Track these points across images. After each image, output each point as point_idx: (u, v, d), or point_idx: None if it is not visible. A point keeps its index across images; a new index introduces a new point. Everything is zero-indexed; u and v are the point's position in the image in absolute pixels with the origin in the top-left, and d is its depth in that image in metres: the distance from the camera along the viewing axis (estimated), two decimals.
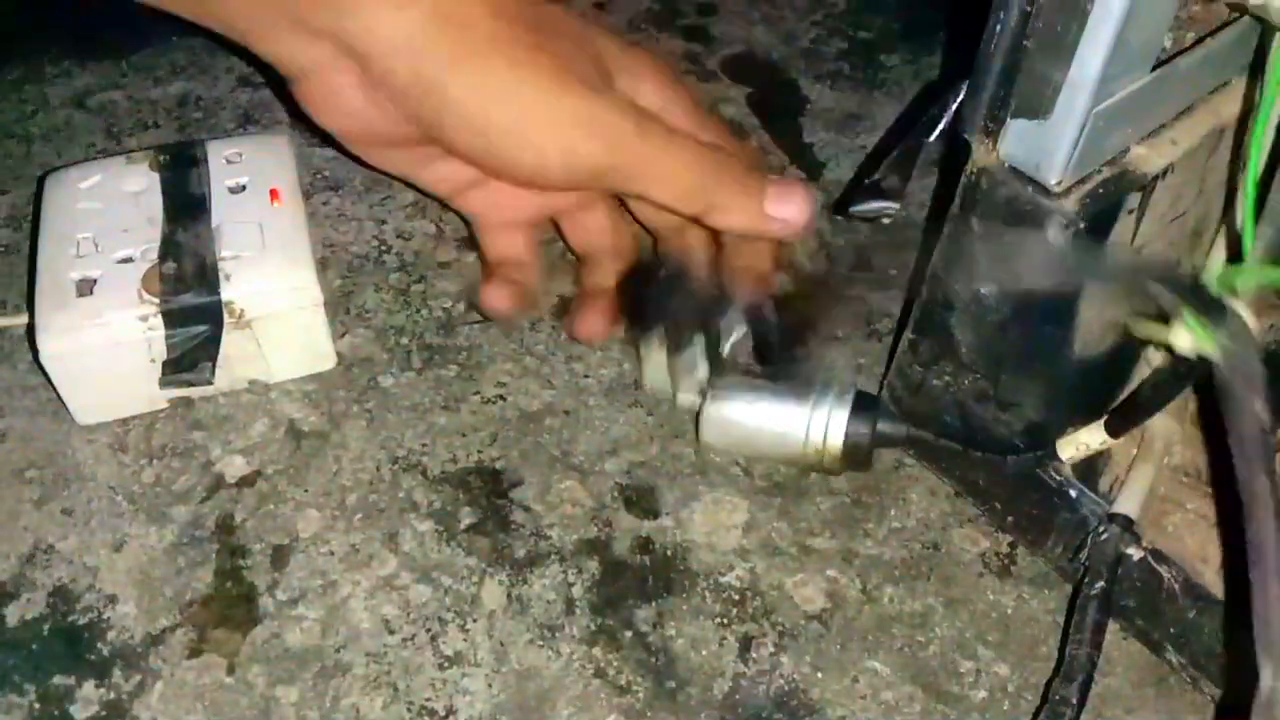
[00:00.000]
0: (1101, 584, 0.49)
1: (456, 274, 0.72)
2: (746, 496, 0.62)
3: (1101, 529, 0.51)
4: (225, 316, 0.61)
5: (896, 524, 0.61)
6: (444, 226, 0.75)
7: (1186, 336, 0.43)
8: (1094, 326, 0.52)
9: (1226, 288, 0.42)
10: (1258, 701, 0.36)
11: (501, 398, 0.66)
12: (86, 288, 0.60)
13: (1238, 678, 0.48)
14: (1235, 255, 0.46)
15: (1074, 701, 0.48)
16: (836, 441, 0.58)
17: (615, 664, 0.55)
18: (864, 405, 0.59)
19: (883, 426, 0.58)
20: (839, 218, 0.73)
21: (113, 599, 0.57)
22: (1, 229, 0.74)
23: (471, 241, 0.72)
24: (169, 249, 0.62)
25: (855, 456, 0.59)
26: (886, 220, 0.65)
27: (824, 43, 0.90)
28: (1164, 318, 0.44)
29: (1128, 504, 0.52)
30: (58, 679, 0.54)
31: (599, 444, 0.64)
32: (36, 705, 0.53)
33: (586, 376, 0.68)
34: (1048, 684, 0.53)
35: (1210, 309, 0.42)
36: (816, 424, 0.58)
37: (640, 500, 0.62)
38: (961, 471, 0.61)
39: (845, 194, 0.73)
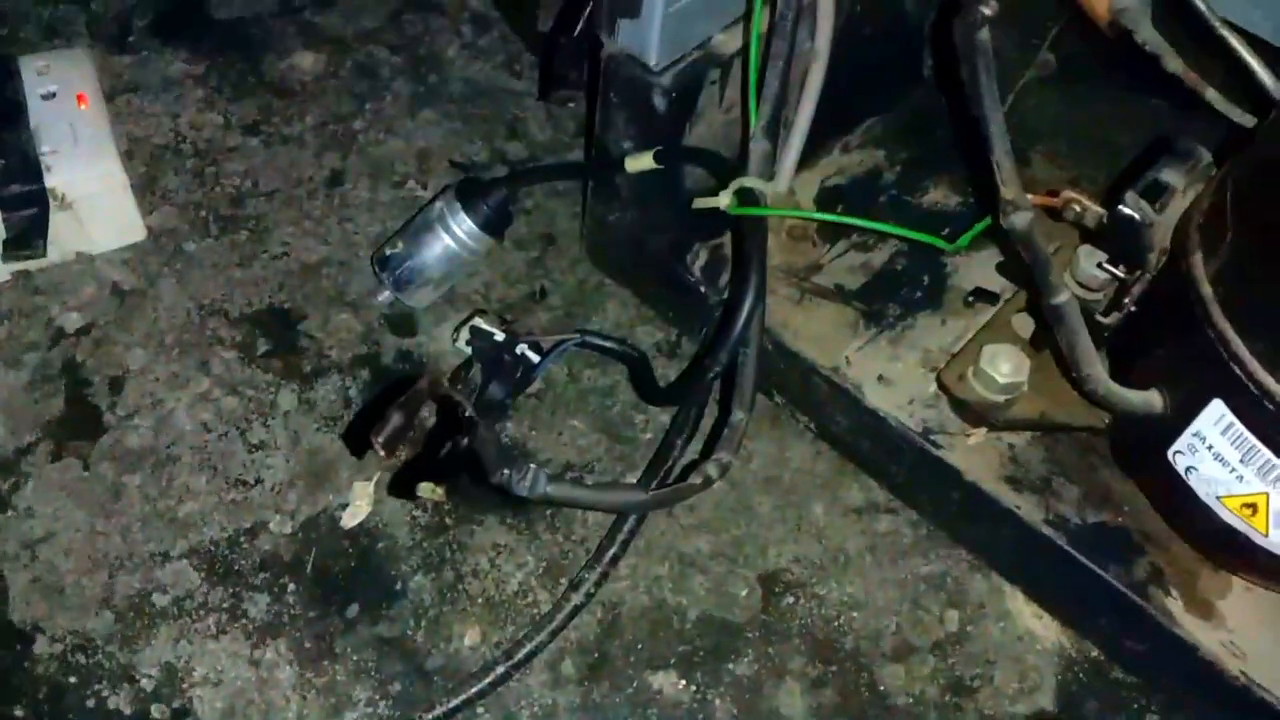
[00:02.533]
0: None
1: (241, 156, 0.88)
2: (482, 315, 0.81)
3: (716, 308, 0.73)
4: (50, 200, 0.76)
5: (596, 325, 0.82)
6: (230, 118, 0.90)
7: (727, 197, 0.63)
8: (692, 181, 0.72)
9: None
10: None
11: (286, 254, 0.83)
12: None
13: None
14: None
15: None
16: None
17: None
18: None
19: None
20: (543, 99, 0.92)
21: None
22: None
23: (256, 128, 0.88)
24: None
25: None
26: (572, 105, 0.85)
27: None
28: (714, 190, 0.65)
29: None
30: None
31: (367, 285, 0.82)
32: None
33: (356, 234, 0.85)
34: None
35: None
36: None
37: (402, 325, 0.81)
38: (640, 285, 0.82)
39: (541, 83, 0.92)
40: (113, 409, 0.75)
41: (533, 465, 0.52)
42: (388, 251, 0.78)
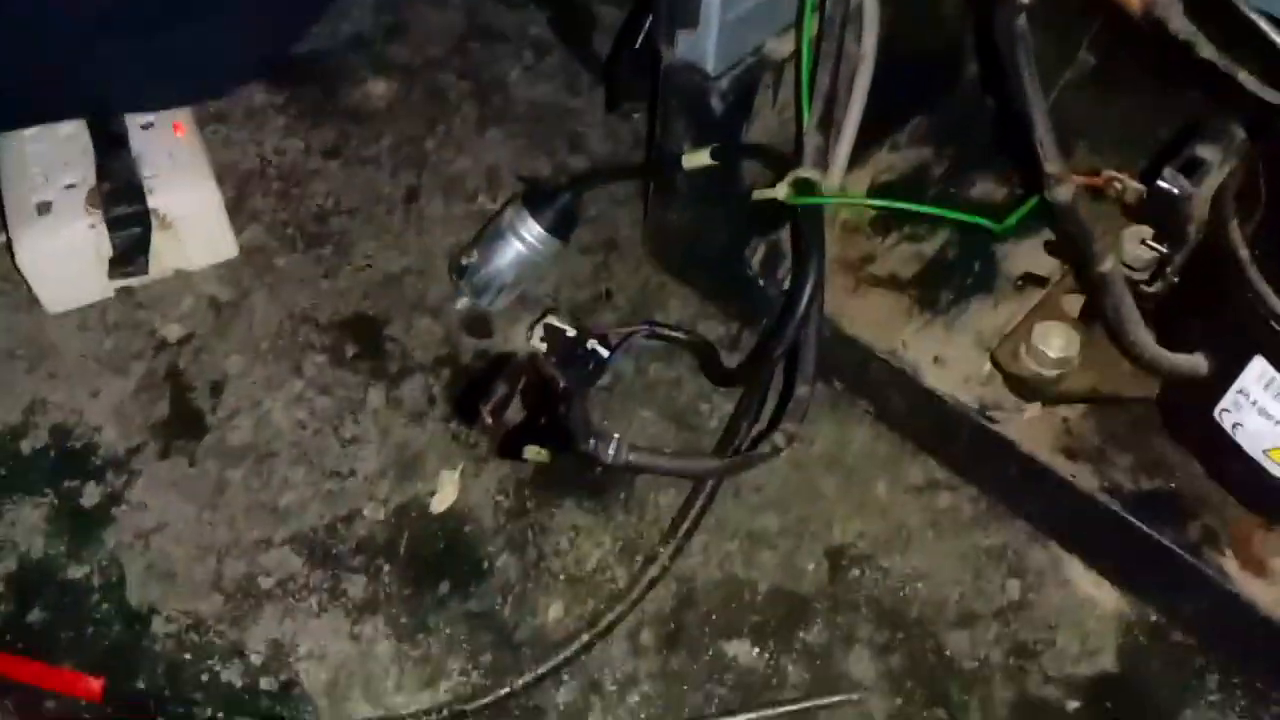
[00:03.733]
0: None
1: (323, 178, 0.94)
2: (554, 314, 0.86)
3: (776, 300, 0.77)
4: (152, 220, 0.82)
5: (662, 320, 0.86)
6: (311, 142, 0.96)
7: (784, 188, 0.68)
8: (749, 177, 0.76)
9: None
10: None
11: (369, 265, 0.89)
12: (45, 208, 0.81)
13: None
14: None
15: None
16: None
17: (465, 432, 0.79)
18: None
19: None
20: (610, 113, 0.97)
21: (98, 428, 0.79)
22: None
23: (336, 151, 0.95)
24: (103, 174, 0.83)
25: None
26: (636, 115, 0.90)
27: None
28: (772, 183, 0.69)
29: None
30: (67, 483, 0.76)
31: (445, 293, 0.88)
32: (55, 501, 0.75)
33: (432, 245, 0.91)
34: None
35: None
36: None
37: (478, 327, 0.86)
38: (701, 282, 0.86)
39: (608, 96, 0.97)
40: (214, 410, 0.80)
41: (616, 435, 0.56)
42: (464, 261, 0.83)
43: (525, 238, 0.81)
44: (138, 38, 0.78)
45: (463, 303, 0.85)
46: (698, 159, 0.73)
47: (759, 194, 0.69)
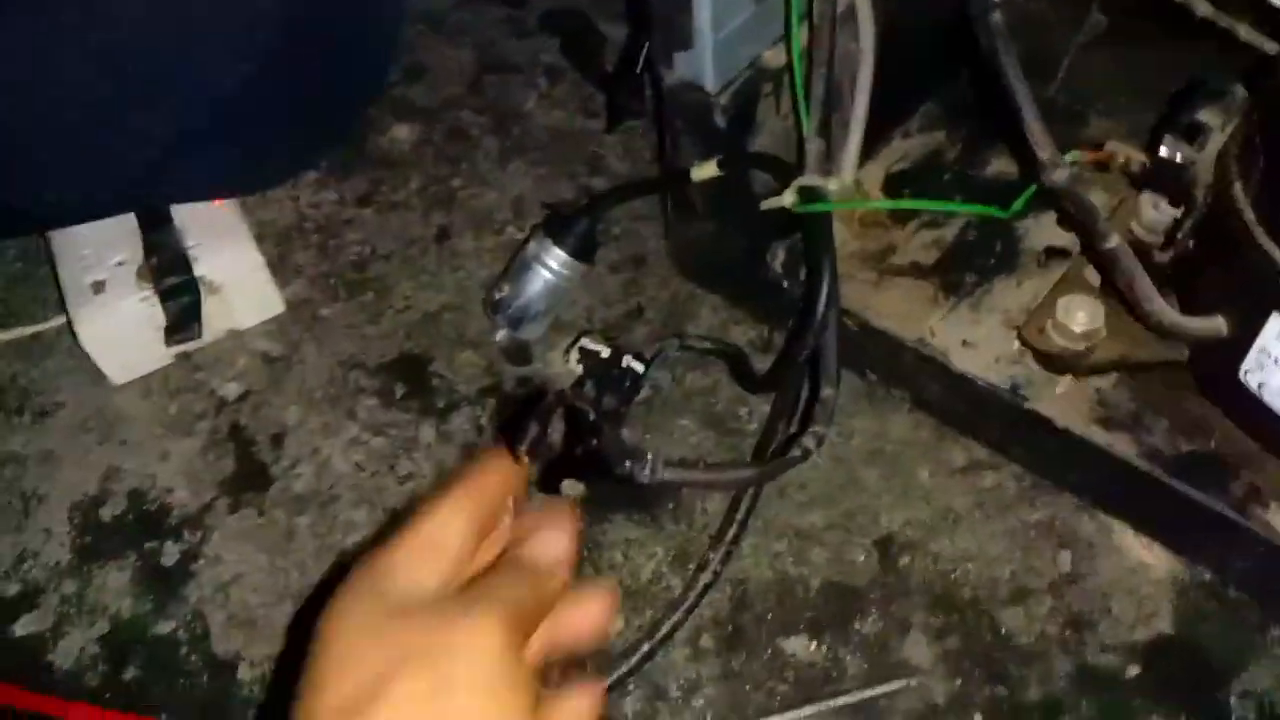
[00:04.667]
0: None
1: (358, 227, 0.97)
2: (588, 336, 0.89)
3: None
4: (201, 288, 0.87)
5: (691, 331, 0.88)
6: (344, 193, 1.00)
7: (790, 196, 0.69)
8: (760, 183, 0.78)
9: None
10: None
11: (409, 306, 0.92)
12: (99, 287, 0.86)
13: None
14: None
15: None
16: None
17: None
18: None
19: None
20: (609, 132, 0.99)
21: (169, 490, 0.83)
22: (15, 263, 0.98)
23: (368, 199, 0.98)
24: (150, 248, 0.87)
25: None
26: (640, 131, 0.91)
27: None
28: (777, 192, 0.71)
29: None
30: (147, 544, 0.81)
31: (483, 325, 0.91)
32: (138, 562, 0.80)
33: (467, 280, 0.94)
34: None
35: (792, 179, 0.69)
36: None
37: (518, 355, 0.89)
38: (728, 289, 0.88)
39: (608, 117, 0.99)
40: (277, 461, 0.84)
41: (649, 454, 0.58)
42: (496, 296, 0.86)
43: (551, 265, 0.84)
44: (200, 154, 0.83)
45: (501, 335, 0.87)
46: (706, 170, 0.75)
47: (767, 204, 0.71)
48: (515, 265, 0.86)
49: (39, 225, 0.90)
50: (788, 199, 0.68)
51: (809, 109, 0.68)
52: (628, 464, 0.59)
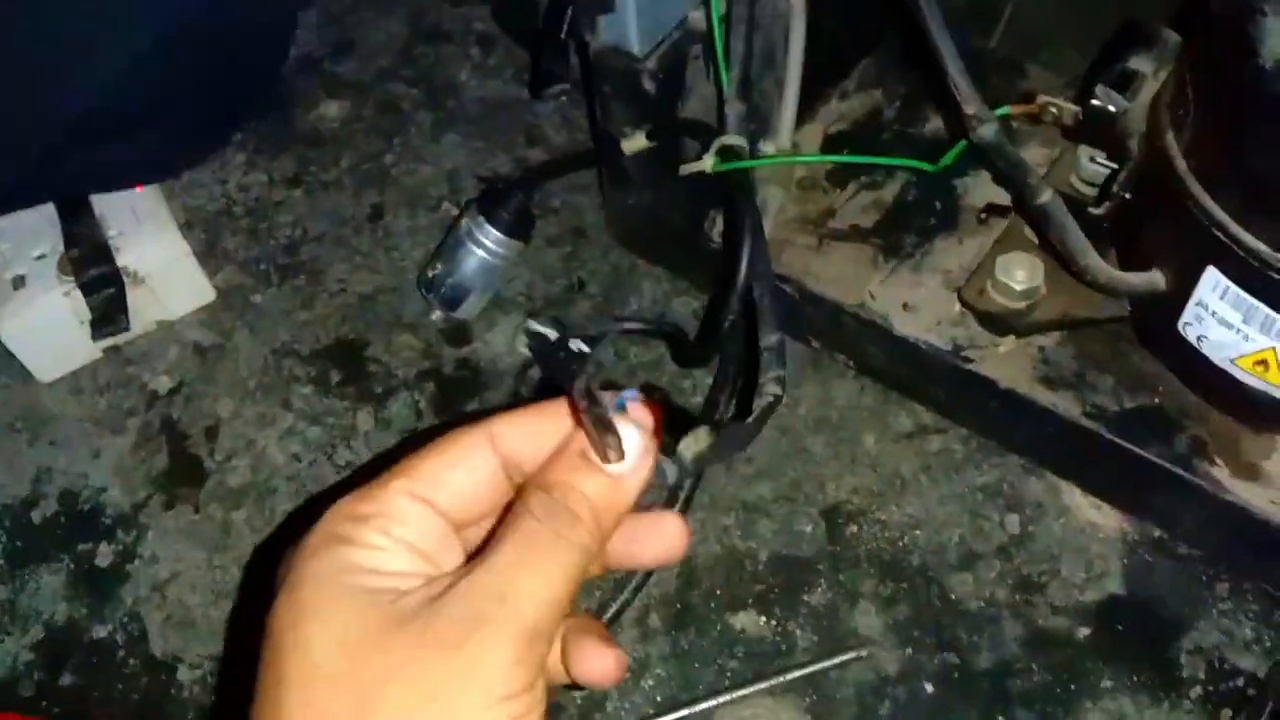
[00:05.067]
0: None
1: (288, 208, 0.95)
2: (522, 313, 0.87)
3: None
4: (124, 278, 0.84)
5: (635, 304, 0.86)
6: (273, 174, 0.97)
7: (709, 160, 0.67)
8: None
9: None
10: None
11: (343, 289, 0.90)
12: (20, 282, 0.83)
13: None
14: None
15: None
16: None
17: None
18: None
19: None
20: (535, 98, 0.97)
21: (103, 489, 0.81)
22: None
23: (298, 180, 0.95)
24: (70, 240, 0.84)
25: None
26: (564, 97, 0.89)
27: None
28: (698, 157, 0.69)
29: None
30: (80, 546, 0.79)
31: (420, 307, 0.88)
32: (71, 565, 0.78)
33: (403, 260, 0.91)
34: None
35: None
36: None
37: (457, 336, 0.87)
38: (669, 259, 0.86)
39: (531, 83, 0.97)
40: (211, 455, 0.82)
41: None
42: (429, 274, 0.84)
43: (485, 243, 0.81)
44: (113, 141, 0.79)
45: (436, 315, 0.85)
46: (636, 143, 0.73)
47: (685, 168, 0.69)
48: (449, 243, 0.84)
49: None
50: (708, 163, 0.66)
51: (729, 70, 0.66)
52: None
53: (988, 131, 0.55)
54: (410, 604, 0.31)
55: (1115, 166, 0.65)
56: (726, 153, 0.66)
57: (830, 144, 0.84)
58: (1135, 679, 0.68)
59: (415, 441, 0.72)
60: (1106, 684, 0.68)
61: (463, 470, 0.35)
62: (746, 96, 0.66)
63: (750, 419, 0.49)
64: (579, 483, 0.33)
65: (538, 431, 0.35)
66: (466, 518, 0.35)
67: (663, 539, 0.37)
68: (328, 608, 0.31)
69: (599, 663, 0.35)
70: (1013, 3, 0.91)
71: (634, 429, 0.34)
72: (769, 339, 0.54)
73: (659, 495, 0.72)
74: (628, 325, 0.79)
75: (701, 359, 0.77)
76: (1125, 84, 0.61)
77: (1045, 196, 0.57)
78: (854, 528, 0.74)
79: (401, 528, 0.33)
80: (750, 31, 0.64)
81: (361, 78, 1.04)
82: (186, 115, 0.85)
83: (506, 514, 0.34)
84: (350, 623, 0.31)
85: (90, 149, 0.80)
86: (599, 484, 0.34)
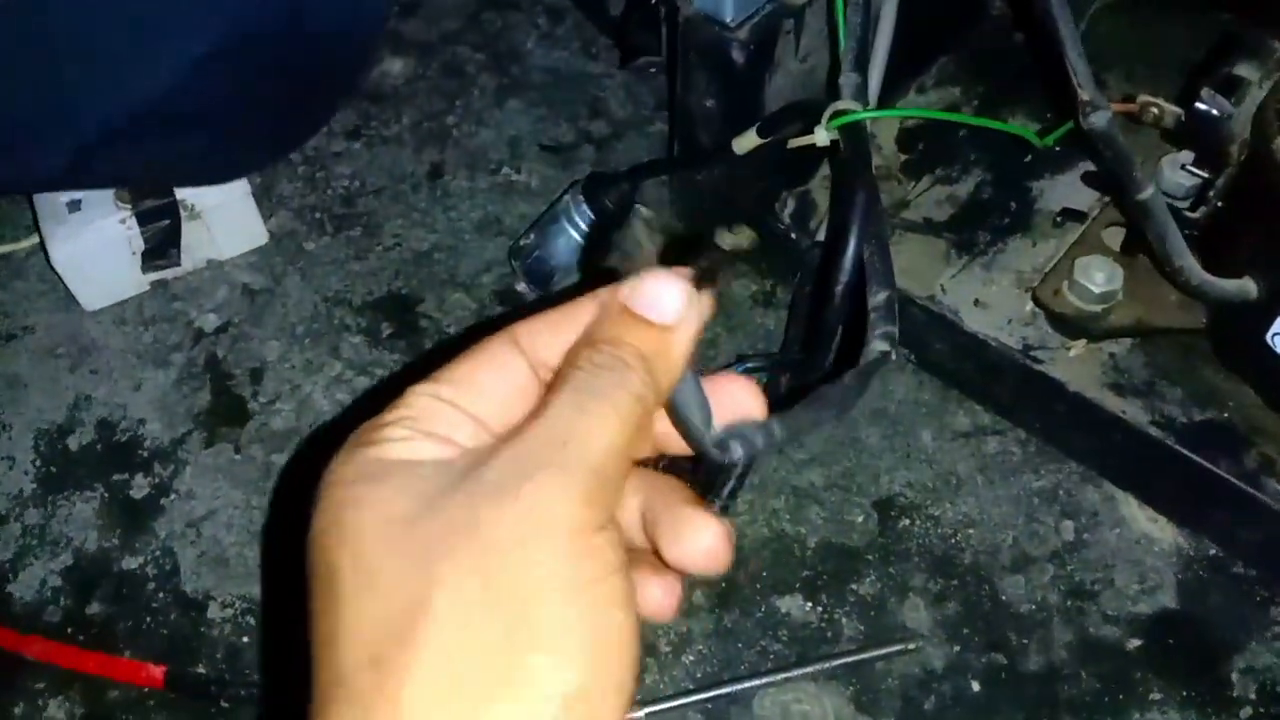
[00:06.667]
0: (809, 286, 0.74)
1: (347, 160, 0.94)
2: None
3: (808, 252, 0.76)
4: (181, 211, 0.83)
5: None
6: (333, 125, 0.96)
7: (821, 132, 0.66)
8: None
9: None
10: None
11: (398, 244, 0.89)
12: (75, 206, 0.81)
13: None
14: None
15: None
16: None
17: None
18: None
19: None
20: (623, 69, 0.96)
21: (142, 421, 0.80)
22: None
23: (357, 133, 0.94)
24: None
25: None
26: (653, 70, 0.88)
27: None
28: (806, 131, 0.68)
29: (826, 234, 0.76)
30: (115, 477, 0.77)
31: (475, 266, 0.87)
32: (105, 495, 0.76)
33: (459, 220, 0.90)
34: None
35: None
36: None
37: (510, 297, 0.86)
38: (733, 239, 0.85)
39: (621, 53, 0.96)
40: (255, 397, 0.81)
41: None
42: (520, 242, 0.83)
43: (580, 225, 0.80)
44: (162, 139, 0.77)
45: (521, 287, 0.84)
46: (747, 141, 0.72)
47: (795, 142, 0.68)
48: (545, 217, 0.83)
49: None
50: (820, 135, 0.65)
51: (846, 40, 0.65)
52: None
53: (1100, 119, 0.54)
54: (457, 469, 0.29)
55: (1207, 175, 0.65)
56: (839, 116, 0.64)
57: (905, 137, 0.83)
58: (1185, 694, 0.67)
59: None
60: (1155, 696, 0.67)
61: (489, 371, 0.32)
62: (862, 69, 0.65)
63: (848, 377, 0.46)
64: (627, 335, 0.31)
65: (566, 329, 0.32)
66: (499, 424, 0.32)
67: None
68: (366, 496, 0.29)
69: (703, 536, 0.32)
70: (1087, 19, 0.91)
71: (676, 281, 0.32)
72: (878, 296, 0.53)
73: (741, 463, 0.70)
74: (751, 365, 0.75)
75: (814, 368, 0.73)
76: (1230, 89, 0.60)
77: (1148, 192, 0.57)
78: (906, 521, 0.73)
79: (430, 423, 0.31)
80: (868, 5, 0.63)
81: (427, 38, 1.03)
82: (256, 117, 0.82)
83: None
84: (394, 499, 0.28)
85: (150, 143, 0.77)
86: (647, 335, 0.31)
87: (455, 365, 0.33)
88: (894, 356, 0.51)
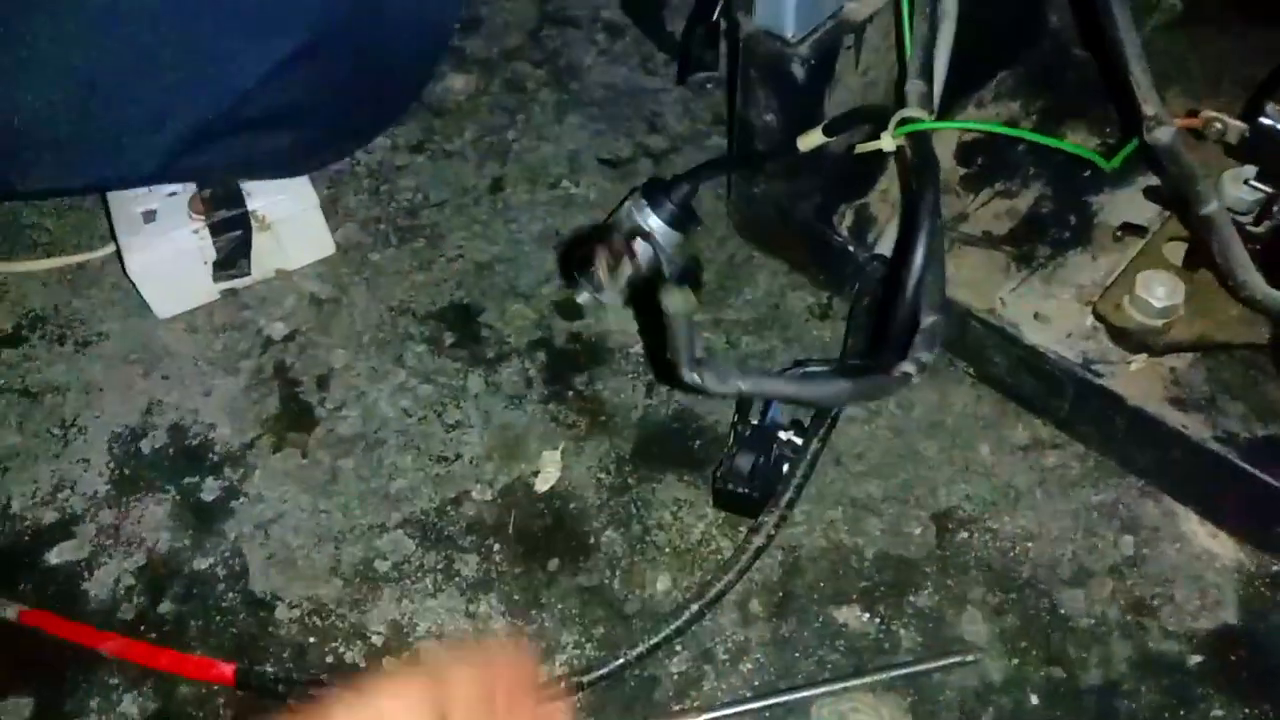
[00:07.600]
0: (867, 298, 0.75)
1: (411, 173, 0.96)
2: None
3: (866, 264, 0.76)
4: (252, 223, 0.85)
5: (749, 296, 0.86)
6: (397, 139, 0.98)
7: (887, 138, 0.67)
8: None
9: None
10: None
11: (461, 256, 0.91)
12: (150, 216, 0.84)
13: None
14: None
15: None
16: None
17: (564, 412, 0.81)
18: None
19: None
20: (680, 86, 0.97)
21: (212, 425, 0.82)
22: None
23: (421, 147, 0.97)
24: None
25: None
26: (710, 85, 0.89)
27: None
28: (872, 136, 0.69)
29: (883, 247, 0.77)
30: (187, 480, 0.79)
31: (535, 277, 0.89)
32: (177, 497, 0.79)
33: (520, 232, 0.92)
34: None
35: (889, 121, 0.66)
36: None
37: (570, 310, 0.87)
38: (788, 253, 0.86)
39: (679, 68, 0.97)
40: (322, 403, 0.83)
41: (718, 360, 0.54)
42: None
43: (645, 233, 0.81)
44: (246, 136, 0.80)
45: (583, 297, 0.85)
46: (813, 139, 0.73)
47: (862, 147, 0.69)
48: (608, 225, 0.84)
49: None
50: (886, 140, 0.66)
51: (913, 49, 0.66)
52: (696, 370, 0.52)
53: (1164, 134, 0.55)
54: None
55: (1271, 190, 0.65)
56: (906, 123, 0.65)
57: (964, 151, 0.84)
58: (1246, 711, 0.66)
59: None
60: (1217, 713, 0.66)
61: None
62: (928, 78, 0.66)
63: (862, 381, 0.47)
64: None
65: None
66: None
67: None
68: None
69: None
70: (1144, 37, 0.91)
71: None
72: (928, 319, 0.53)
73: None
74: (812, 370, 0.76)
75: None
76: None
77: (1213, 205, 0.57)
78: (964, 534, 0.74)
79: None
80: (934, 15, 0.64)
81: (488, 55, 1.05)
82: (334, 111, 0.85)
83: None
84: None
85: (234, 141, 0.80)
86: None
87: None
88: (915, 381, 0.52)
